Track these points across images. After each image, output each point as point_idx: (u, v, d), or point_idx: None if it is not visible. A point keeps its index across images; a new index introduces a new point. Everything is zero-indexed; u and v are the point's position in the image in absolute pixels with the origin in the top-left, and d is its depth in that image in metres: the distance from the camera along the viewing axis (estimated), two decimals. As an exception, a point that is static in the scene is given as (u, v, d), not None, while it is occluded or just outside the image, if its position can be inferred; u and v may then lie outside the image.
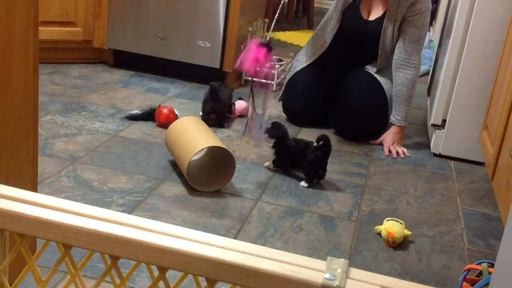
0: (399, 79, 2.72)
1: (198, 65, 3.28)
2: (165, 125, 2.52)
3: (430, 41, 4.44)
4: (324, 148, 2.22)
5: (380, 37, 2.75)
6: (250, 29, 3.39)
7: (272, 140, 2.29)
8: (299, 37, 4.88)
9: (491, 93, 2.39)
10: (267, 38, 2.44)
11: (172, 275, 1.36)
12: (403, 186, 2.35)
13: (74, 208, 0.68)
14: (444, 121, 2.69)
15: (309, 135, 2.66)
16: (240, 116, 2.87)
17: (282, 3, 2.46)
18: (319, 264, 0.62)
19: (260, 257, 0.62)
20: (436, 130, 2.72)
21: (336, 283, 0.59)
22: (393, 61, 2.75)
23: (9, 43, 1.18)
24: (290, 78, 2.94)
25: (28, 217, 0.66)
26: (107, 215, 0.67)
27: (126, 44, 3.33)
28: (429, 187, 2.37)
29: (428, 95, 3.29)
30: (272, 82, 3.40)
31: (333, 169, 2.38)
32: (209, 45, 3.23)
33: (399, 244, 1.89)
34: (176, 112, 2.64)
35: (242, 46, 2.41)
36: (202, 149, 2.12)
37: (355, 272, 0.61)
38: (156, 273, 0.67)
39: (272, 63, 2.41)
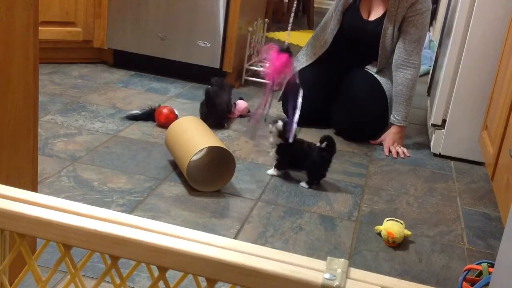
0: (399, 79, 2.72)
1: (198, 65, 3.28)
2: (165, 125, 2.52)
3: (430, 41, 4.44)
4: (329, 148, 2.21)
5: (380, 37, 2.75)
6: (250, 29, 3.39)
7: (274, 143, 2.26)
8: (299, 37, 4.88)
9: (491, 93, 2.39)
10: (286, 43, 2.42)
11: (172, 275, 1.36)
12: (403, 186, 2.35)
13: (74, 208, 0.68)
14: (444, 121, 2.69)
15: (309, 135, 2.66)
16: (241, 116, 2.87)
17: (296, 2, 2.44)
18: (319, 264, 0.62)
19: (260, 257, 0.62)
20: (436, 130, 2.72)
21: (336, 283, 0.59)
22: (393, 61, 2.75)
23: (9, 43, 1.18)
24: (290, 78, 2.93)
25: (28, 217, 0.66)
26: (107, 215, 0.67)
27: (126, 44, 3.33)
28: (429, 187, 2.37)
29: (428, 95, 3.30)
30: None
31: (333, 169, 2.38)
32: (209, 45, 3.23)
33: (399, 244, 1.89)
34: (176, 112, 2.64)
35: (262, 57, 2.38)
36: (202, 149, 2.12)
37: (355, 272, 0.61)
38: (156, 273, 0.67)
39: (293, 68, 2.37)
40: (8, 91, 1.20)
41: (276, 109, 3.03)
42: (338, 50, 2.89)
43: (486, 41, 2.52)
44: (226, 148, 2.10)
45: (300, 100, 2.31)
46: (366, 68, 2.85)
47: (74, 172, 2.10)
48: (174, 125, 2.24)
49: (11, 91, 1.21)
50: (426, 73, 3.99)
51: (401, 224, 1.92)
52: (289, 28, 2.44)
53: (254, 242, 1.78)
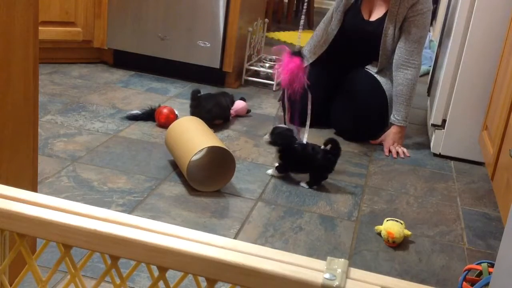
0: (400, 79, 2.72)
1: (198, 65, 3.28)
2: (165, 125, 2.52)
3: (430, 41, 4.44)
4: (334, 151, 2.21)
5: (381, 37, 2.75)
6: (250, 29, 3.39)
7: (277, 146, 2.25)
8: (299, 37, 4.87)
9: (491, 93, 2.39)
10: (297, 47, 2.42)
11: (172, 275, 1.36)
12: (403, 186, 2.35)
13: (74, 208, 0.68)
14: (444, 121, 2.69)
15: (309, 135, 2.66)
16: (237, 116, 2.86)
17: (306, 3, 2.43)
18: (319, 264, 0.62)
19: (260, 257, 0.62)
20: (436, 130, 2.72)
21: (336, 283, 0.59)
22: (394, 61, 2.75)
23: (9, 43, 1.18)
24: (290, 78, 2.93)
25: (28, 217, 0.66)
26: (107, 215, 0.67)
27: (126, 44, 3.33)
28: (429, 187, 2.37)
29: (428, 95, 3.30)
30: (272, 82, 3.40)
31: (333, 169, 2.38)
32: (209, 45, 3.23)
33: (399, 244, 1.89)
34: (176, 112, 2.64)
35: (278, 66, 2.37)
36: (202, 149, 2.12)
37: (355, 272, 0.61)
38: (156, 273, 0.67)
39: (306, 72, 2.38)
40: (8, 91, 1.20)
41: (276, 109, 3.03)
42: (338, 50, 2.89)
43: (486, 41, 2.52)
44: (226, 148, 2.10)
45: (310, 106, 2.32)
46: (367, 68, 2.85)
47: (74, 172, 2.10)
48: (174, 125, 2.24)
49: (11, 91, 1.21)
50: (426, 73, 3.99)
51: (401, 224, 1.92)
52: (300, 30, 2.42)
53: (254, 242, 1.78)
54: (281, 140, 2.21)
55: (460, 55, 2.58)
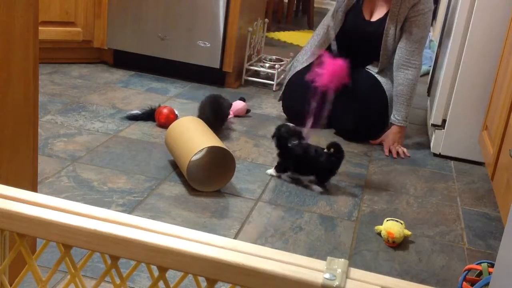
0: (400, 79, 2.72)
1: (198, 65, 3.28)
2: (165, 125, 2.52)
3: (430, 41, 4.44)
4: (337, 154, 2.19)
5: (382, 37, 2.75)
6: (250, 29, 3.39)
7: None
8: (299, 37, 4.88)
9: (491, 93, 2.39)
10: (335, 49, 2.44)
11: (172, 275, 1.36)
12: (403, 186, 2.35)
13: (74, 208, 0.68)
14: (444, 121, 2.69)
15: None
16: (236, 116, 2.85)
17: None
18: (319, 264, 0.62)
19: (260, 257, 0.62)
20: (436, 130, 2.72)
21: (336, 283, 0.59)
22: (395, 61, 2.75)
23: (9, 43, 1.18)
24: (290, 78, 2.94)
25: (28, 217, 0.66)
26: (107, 215, 0.67)
27: (126, 44, 3.33)
28: (429, 187, 2.37)
29: (428, 95, 3.30)
30: (272, 82, 3.40)
31: (333, 169, 2.38)
32: (209, 45, 3.23)
33: (399, 244, 1.89)
34: (176, 112, 2.64)
35: (316, 70, 2.41)
36: (202, 149, 2.12)
37: (355, 272, 0.61)
38: (156, 273, 0.67)
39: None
40: (8, 91, 1.20)
41: (276, 109, 3.03)
42: (339, 50, 2.88)
43: (486, 41, 2.52)
44: (226, 148, 2.10)
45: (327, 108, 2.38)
46: (367, 69, 2.85)
47: (74, 172, 2.10)
48: (174, 125, 2.24)
49: (11, 91, 1.21)
50: (426, 73, 3.99)
51: (401, 224, 1.92)
52: (331, 33, 2.45)
53: (254, 242, 1.78)
54: (279, 135, 2.21)
55: (460, 55, 2.58)
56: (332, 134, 2.79)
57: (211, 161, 2.22)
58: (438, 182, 2.43)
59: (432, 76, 3.22)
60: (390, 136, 2.73)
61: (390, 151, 2.68)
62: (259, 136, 2.66)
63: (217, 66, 3.25)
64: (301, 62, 2.94)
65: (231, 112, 2.81)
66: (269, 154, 2.45)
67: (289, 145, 2.20)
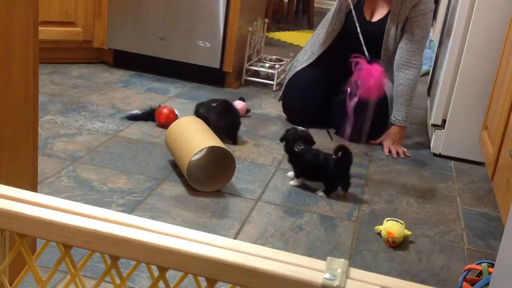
0: (401, 79, 2.72)
1: (198, 65, 3.28)
2: (165, 125, 2.52)
3: (430, 41, 4.44)
4: (344, 158, 2.15)
5: (382, 38, 2.75)
6: (250, 29, 3.39)
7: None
8: (299, 37, 4.88)
9: (491, 93, 2.39)
10: (366, 54, 2.44)
11: (172, 275, 1.36)
12: (403, 186, 2.35)
13: (74, 208, 0.68)
14: (444, 121, 2.69)
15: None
16: None
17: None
18: (319, 264, 0.62)
19: (260, 257, 0.62)
20: (436, 130, 2.71)
21: (336, 283, 0.59)
22: (395, 61, 2.75)
23: (9, 43, 1.18)
24: (290, 78, 2.94)
25: (28, 217, 0.66)
26: (107, 215, 0.67)
27: (126, 44, 3.33)
28: (429, 187, 2.37)
29: (428, 95, 3.29)
30: (272, 82, 3.40)
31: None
32: (209, 45, 3.23)
33: (399, 244, 1.89)
34: (176, 112, 2.64)
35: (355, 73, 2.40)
36: (202, 149, 2.12)
37: (355, 272, 0.61)
38: (156, 273, 0.67)
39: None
40: (8, 91, 1.20)
41: (276, 109, 3.03)
42: (339, 50, 2.88)
43: (486, 41, 2.52)
44: (226, 148, 2.10)
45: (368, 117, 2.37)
46: (367, 69, 2.85)
47: (74, 172, 2.10)
48: (174, 125, 2.24)
49: (11, 91, 1.21)
50: (426, 73, 3.99)
51: (401, 224, 1.92)
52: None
53: (254, 242, 1.78)
54: (287, 139, 2.19)
55: (460, 55, 2.58)
56: (332, 134, 2.79)
57: (211, 161, 2.22)
58: (438, 182, 2.43)
59: (432, 76, 3.22)
60: (390, 136, 2.73)
61: (390, 151, 2.68)
62: (259, 136, 2.66)
63: (217, 66, 3.25)
64: (301, 62, 2.94)
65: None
66: (269, 154, 2.45)
67: (296, 149, 2.17)
